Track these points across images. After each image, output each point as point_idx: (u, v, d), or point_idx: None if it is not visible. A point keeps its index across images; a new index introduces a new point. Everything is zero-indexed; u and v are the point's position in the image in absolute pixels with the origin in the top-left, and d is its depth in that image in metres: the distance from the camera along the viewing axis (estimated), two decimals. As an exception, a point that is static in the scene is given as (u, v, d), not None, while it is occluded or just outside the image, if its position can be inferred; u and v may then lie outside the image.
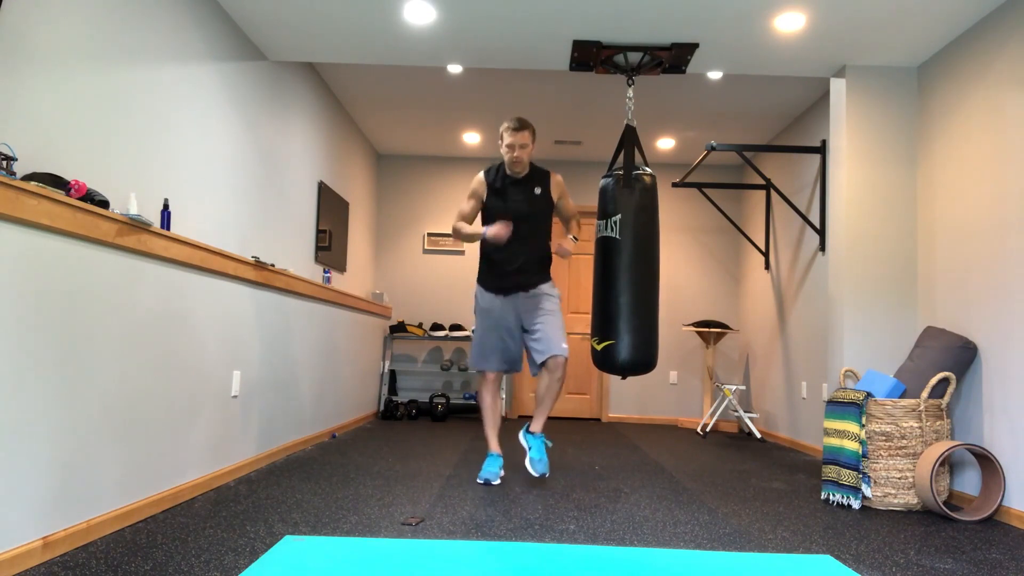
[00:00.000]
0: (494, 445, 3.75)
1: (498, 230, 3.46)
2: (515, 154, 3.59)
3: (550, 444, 3.77)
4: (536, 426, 3.65)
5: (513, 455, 4.52)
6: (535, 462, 3.57)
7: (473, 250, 7.07)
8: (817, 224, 5.14)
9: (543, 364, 3.57)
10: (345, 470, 3.87)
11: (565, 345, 3.56)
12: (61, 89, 2.34)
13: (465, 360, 6.90)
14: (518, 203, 3.63)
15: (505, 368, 3.72)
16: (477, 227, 3.62)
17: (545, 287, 3.68)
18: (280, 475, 3.69)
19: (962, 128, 3.65)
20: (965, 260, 3.58)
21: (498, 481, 3.63)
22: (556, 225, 6.81)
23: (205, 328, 3.28)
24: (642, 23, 3.66)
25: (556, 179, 3.73)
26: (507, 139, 3.59)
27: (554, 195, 3.72)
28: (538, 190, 3.67)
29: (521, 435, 3.71)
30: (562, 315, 3.69)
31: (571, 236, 3.73)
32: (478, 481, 3.62)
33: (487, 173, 3.72)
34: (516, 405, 7.11)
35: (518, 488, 3.53)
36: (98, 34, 2.53)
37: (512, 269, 3.64)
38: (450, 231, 7.10)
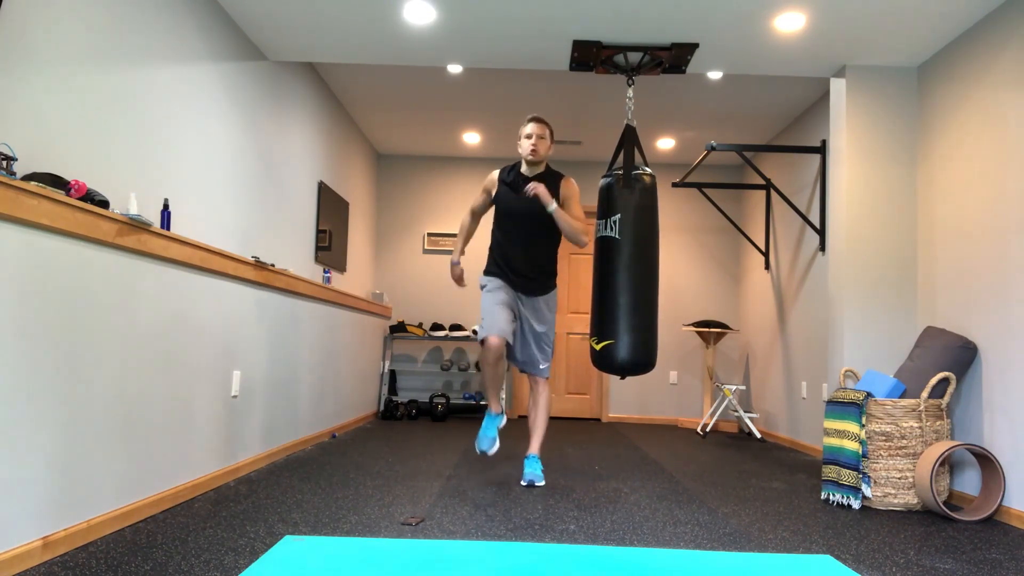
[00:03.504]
0: (495, 406, 3.70)
1: (455, 276, 3.82)
2: (532, 142, 3.63)
3: (540, 483, 3.63)
4: (533, 448, 3.72)
5: (515, 455, 4.52)
6: (527, 473, 3.61)
7: (473, 251, 7.07)
8: (817, 224, 5.14)
9: (524, 372, 3.78)
10: (345, 470, 3.87)
11: (545, 366, 3.72)
12: (61, 89, 2.34)
13: (465, 360, 6.90)
14: (526, 199, 3.64)
15: (506, 332, 3.55)
16: (457, 253, 3.86)
17: (542, 300, 3.72)
18: (280, 475, 3.69)
19: (962, 128, 3.65)
20: (965, 260, 3.58)
21: (495, 450, 3.56)
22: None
23: (205, 328, 3.28)
24: (642, 23, 3.66)
25: (568, 182, 3.70)
26: (526, 129, 3.67)
27: (560, 196, 3.67)
28: None
29: (526, 460, 3.72)
30: (554, 327, 3.78)
31: (552, 205, 3.53)
32: (476, 451, 3.76)
33: (502, 170, 3.80)
34: (516, 405, 7.11)
35: (518, 488, 3.53)
36: (98, 34, 2.53)
37: (516, 268, 3.66)
38: (450, 231, 7.12)
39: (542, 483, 3.60)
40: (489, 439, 3.62)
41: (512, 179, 3.72)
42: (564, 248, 7.28)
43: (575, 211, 3.69)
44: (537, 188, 3.53)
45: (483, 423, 3.71)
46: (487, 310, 3.64)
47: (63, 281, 2.30)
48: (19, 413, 2.12)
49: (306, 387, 4.71)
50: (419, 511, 2.98)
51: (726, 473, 4.19)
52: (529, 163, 3.69)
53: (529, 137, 3.64)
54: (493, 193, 3.77)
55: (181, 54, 3.13)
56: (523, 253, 3.66)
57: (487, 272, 3.77)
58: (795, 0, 3.39)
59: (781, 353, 5.85)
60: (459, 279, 3.80)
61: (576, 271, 7.28)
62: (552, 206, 3.55)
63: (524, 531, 2.71)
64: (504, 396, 6.92)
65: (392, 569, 2.20)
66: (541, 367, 3.71)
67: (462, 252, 3.87)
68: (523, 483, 3.59)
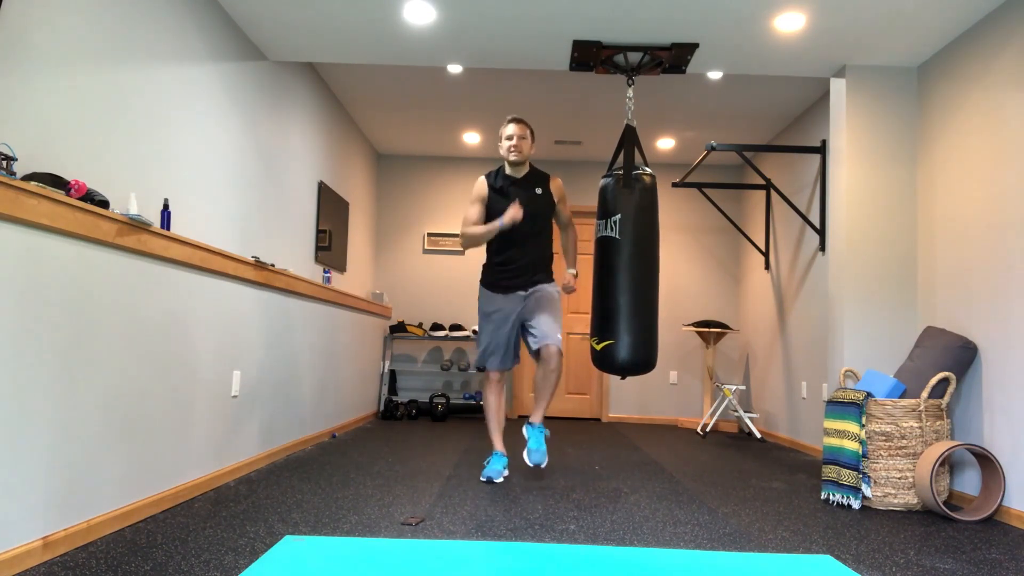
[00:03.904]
0: (499, 445, 3.78)
1: (513, 213, 3.47)
2: (514, 143, 3.63)
3: (547, 433, 3.70)
4: (535, 417, 3.68)
5: (514, 457, 4.52)
6: (531, 452, 3.58)
7: (473, 251, 7.07)
8: (817, 224, 5.14)
9: (537, 353, 3.61)
10: (345, 470, 3.87)
11: (559, 336, 3.62)
12: (61, 89, 2.34)
13: (465, 360, 6.90)
14: (520, 202, 3.65)
15: (507, 366, 3.76)
16: (491, 223, 3.60)
17: (546, 287, 3.72)
18: (280, 475, 3.69)
19: (962, 128, 3.65)
20: (965, 260, 3.58)
21: (500, 480, 3.64)
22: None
23: (205, 328, 3.28)
24: (642, 23, 3.66)
25: (556, 182, 3.79)
26: (507, 131, 3.66)
27: (555, 197, 3.77)
28: (539, 190, 3.71)
29: (524, 427, 3.74)
30: (561, 312, 3.74)
31: (572, 271, 3.81)
32: (481, 479, 3.64)
33: (488, 176, 3.77)
34: (516, 405, 7.11)
35: (518, 488, 3.53)
36: (98, 34, 2.53)
37: (516, 268, 3.67)
38: (450, 231, 7.11)
39: (545, 462, 3.58)
40: (497, 471, 3.63)
41: (500, 184, 3.71)
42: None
43: (567, 212, 3.86)
44: (570, 289, 3.75)
45: (491, 461, 3.70)
46: (486, 341, 3.74)
47: (63, 281, 2.30)
48: (19, 413, 2.12)
49: (306, 387, 4.71)
50: (419, 511, 2.98)
51: (726, 473, 4.19)
52: (512, 164, 3.69)
53: (511, 138, 3.64)
54: (486, 200, 3.73)
55: (181, 54, 3.13)
56: (523, 253, 3.68)
57: (483, 282, 3.78)
58: (795, 0, 3.39)
59: (781, 353, 5.85)
60: (517, 210, 3.48)
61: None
62: (574, 285, 3.80)
63: (524, 531, 2.71)
64: (504, 397, 6.91)
65: (392, 569, 2.20)
66: (556, 336, 3.60)
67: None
68: (528, 462, 3.55)
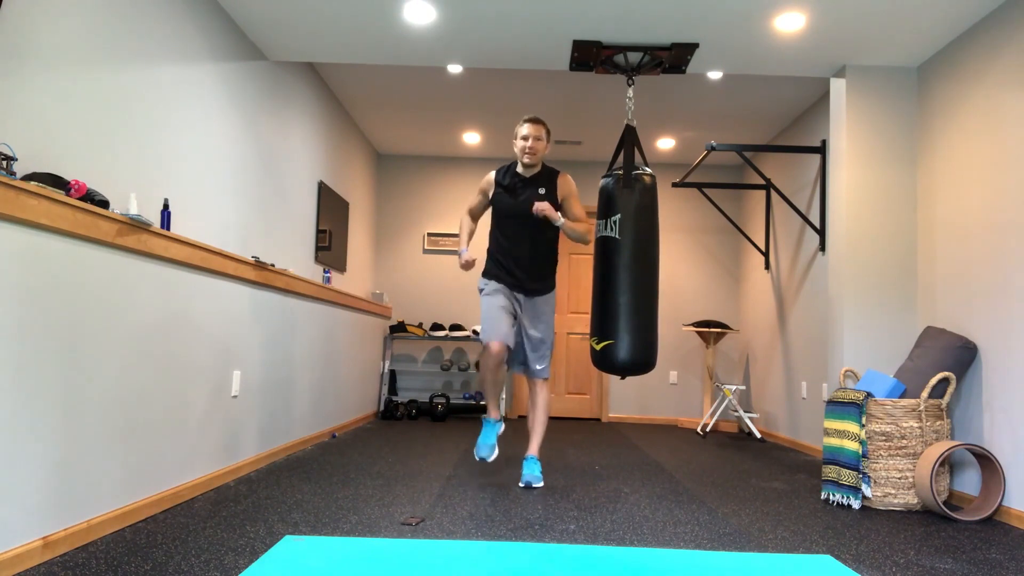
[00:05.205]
0: (493, 411, 3.70)
1: (464, 263, 3.64)
2: (529, 144, 3.59)
3: (538, 485, 3.59)
4: (532, 449, 3.70)
5: (515, 456, 4.52)
6: (525, 476, 3.59)
7: (473, 250, 7.07)
8: (817, 224, 5.14)
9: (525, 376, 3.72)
10: (345, 470, 3.87)
11: (542, 367, 3.68)
12: (61, 89, 2.34)
13: (465, 360, 6.90)
14: (522, 202, 3.62)
15: (508, 340, 3.55)
16: (464, 242, 3.74)
17: (542, 300, 3.68)
18: (280, 475, 3.69)
19: (962, 128, 3.65)
20: (965, 260, 3.58)
21: (493, 457, 3.60)
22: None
23: (205, 328, 3.28)
24: (642, 23, 3.66)
25: (563, 179, 3.69)
26: (522, 131, 3.62)
27: (559, 194, 3.67)
28: (542, 191, 3.64)
29: (524, 460, 3.72)
30: (553, 327, 3.73)
31: (561, 220, 3.58)
32: (475, 457, 3.64)
33: (498, 171, 3.76)
34: (516, 405, 7.11)
35: (518, 488, 3.53)
36: (98, 34, 2.53)
37: (516, 270, 3.63)
38: (450, 231, 7.12)
39: (540, 484, 3.57)
40: (488, 446, 3.61)
41: (509, 181, 3.68)
42: (564, 248, 7.29)
43: (576, 209, 3.68)
44: (544, 210, 3.53)
45: (482, 430, 3.68)
46: (487, 315, 3.63)
47: (63, 281, 2.30)
48: (19, 413, 2.12)
49: (306, 387, 4.71)
50: (419, 511, 2.98)
51: (726, 473, 4.19)
52: (525, 164, 3.67)
53: (526, 138, 3.60)
54: (490, 195, 3.73)
55: (181, 54, 3.13)
56: (525, 254, 3.64)
57: (485, 274, 3.73)
58: (795, 0, 3.39)
59: (781, 353, 5.85)
60: (469, 263, 3.62)
61: (576, 271, 7.28)
62: (560, 222, 3.58)
63: (524, 531, 2.71)
64: (504, 397, 6.92)
65: (392, 569, 2.20)
66: (538, 368, 3.67)
67: (467, 245, 3.75)
68: (521, 484, 3.57)
